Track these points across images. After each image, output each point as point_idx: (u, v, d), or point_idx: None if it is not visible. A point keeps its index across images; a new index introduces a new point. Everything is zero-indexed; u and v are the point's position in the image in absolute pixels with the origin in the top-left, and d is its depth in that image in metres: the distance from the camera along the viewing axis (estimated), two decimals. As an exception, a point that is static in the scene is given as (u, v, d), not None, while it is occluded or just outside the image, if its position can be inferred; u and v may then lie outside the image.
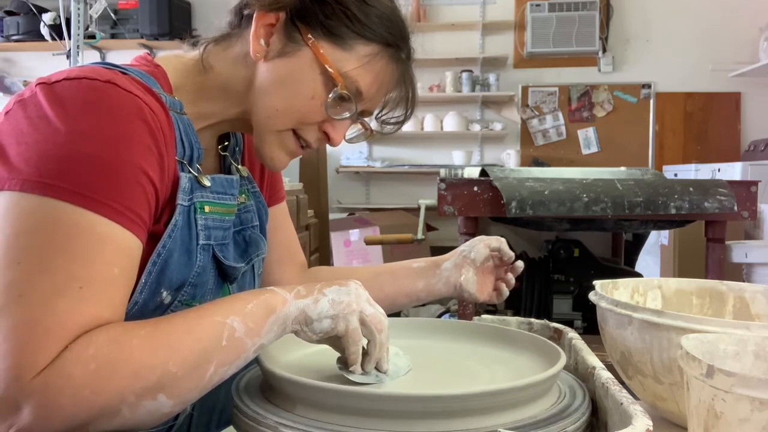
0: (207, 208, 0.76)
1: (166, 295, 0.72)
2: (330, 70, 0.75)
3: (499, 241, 1.01)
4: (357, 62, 0.76)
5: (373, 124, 0.86)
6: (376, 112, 0.84)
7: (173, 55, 0.82)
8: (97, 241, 0.61)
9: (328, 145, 0.83)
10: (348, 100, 0.77)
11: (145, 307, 0.69)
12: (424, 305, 3.01)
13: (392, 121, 0.85)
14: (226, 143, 0.89)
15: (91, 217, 0.61)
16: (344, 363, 0.69)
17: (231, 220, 0.82)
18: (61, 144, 0.62)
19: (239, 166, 0.89)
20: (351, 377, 0.67)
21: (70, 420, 0.56)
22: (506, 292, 1.04)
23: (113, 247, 0.62)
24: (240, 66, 0.79)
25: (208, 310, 0.64)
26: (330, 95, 0.76)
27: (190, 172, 0.75)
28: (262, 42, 0.76)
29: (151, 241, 0.70)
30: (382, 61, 0.78)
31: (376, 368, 0.69)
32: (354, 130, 0.86)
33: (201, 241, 0.75)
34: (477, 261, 1.00)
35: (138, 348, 0.59)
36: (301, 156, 0.85)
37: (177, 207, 0.72)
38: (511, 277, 1.03)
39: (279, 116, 0.78)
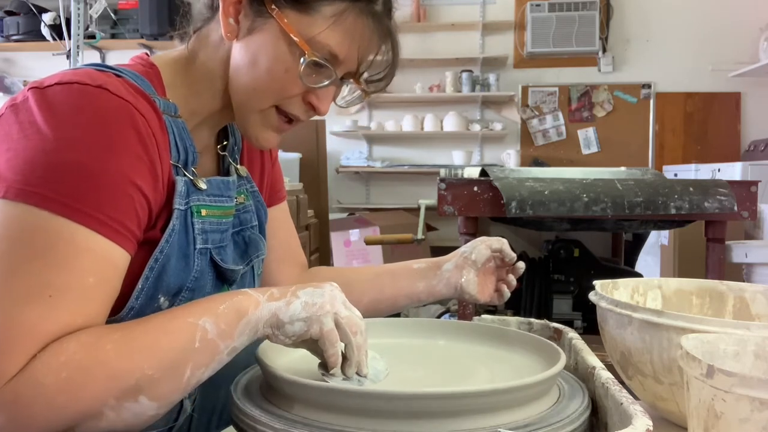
0: (204, 212, 0.76)
1: (163, 301, 0.71)
2: (295, 38, 0.72)
3: (500, 242, 1.00)
4: (324, 24, 0.73)
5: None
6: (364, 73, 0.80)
7: (165, 53, 0.82)
8: (75, 250, 0.61)
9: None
10: (323, 66, 0.74)
11: (141, 312, 0.69)
12: (424, 305, 3.01)
13: (376, 78, 0.81)
14: (225, 143, 0.88)
15: (71, 227, 0.61)
16: (325, 368, 0.66)
17: (229, 222, 0.82)
18: (48, 151, 0.62)
19: (238, 166, 0.89)
20: (332, 381, 0.66)
21: (47, 426, 0.57)
22: (507, 293, 1.02)
23: (91, 257, 0.62)
24: (219, 51, 0.78)
25: (181, 311, 0.64)
26: (301, 64, 0.73)
27: (185, 175, 0.75)
28: (232, 21, 0.75)
29: (148, 247, 0.70)
30: (350, 17, 0.73)
31: (357, 372, 0.67)
32: (345, 93, 0.83)
33: (198, 245, 0.75)
34: (478, 262, 0.99)
35: (112, 352, 0.58)
36: (289, 130, 0.82)
37: (174, 211, 0.72)
38: (512, 279, 1.02)
39: (258, 95, 0.76)
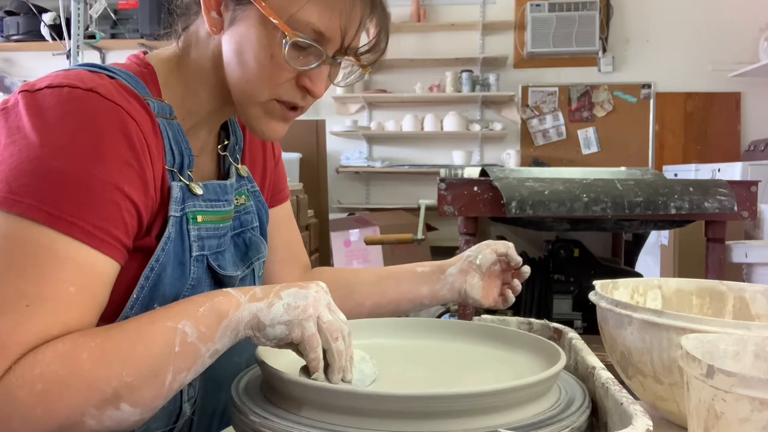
0: (200, 218, 0.75)
1: None
2: (274, 21, 0.69)
3: (506, 247, 0.99)
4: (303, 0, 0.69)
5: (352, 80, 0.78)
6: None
7: (158, 51, 0.81)
8: (55, 259, 0.60)
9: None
10: (308, 46, 0.71)
11: None
12: (424, 305, 3.01)
13: (366, 49, 0.77)
14: (226, 143, 0.88)
15: (53, 236, 0.60)
16: (307, 372, 0.64)
17: (227, 226, 0.81)
18: (33, 158, 0.61)
19: (239, 166, 0.88)
20: None
21: None
22: (512, 298, 1.01)
23: (72, 266, 0.61)
24: (209, 46, 0.76)
25: (160, 314, 0.62)
26: (284, 47, 0.70)
27: (181, 180, 0.73)
28: (214, 14, 0.73)
29: (143, 255, 0.69)
30: None
31: (342, 378, 0.65)
32: (343, 71, 0.80)
33: (194, 253, 0.74)
34: (483, 266, 0.97)
35: (89, 361, 0.57)
36: (294, 118, 0.79)
37: (169, 219, 0.71)
38: (517, 283, 1.00)
39: (251, 86, 0.73)
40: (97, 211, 0.62)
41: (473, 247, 1.01)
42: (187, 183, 0.74)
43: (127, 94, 0.68)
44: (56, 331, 0.59)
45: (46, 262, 0.60)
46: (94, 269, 0.63)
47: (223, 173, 0.87)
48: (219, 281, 0.79)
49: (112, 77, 0.69)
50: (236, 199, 0.85)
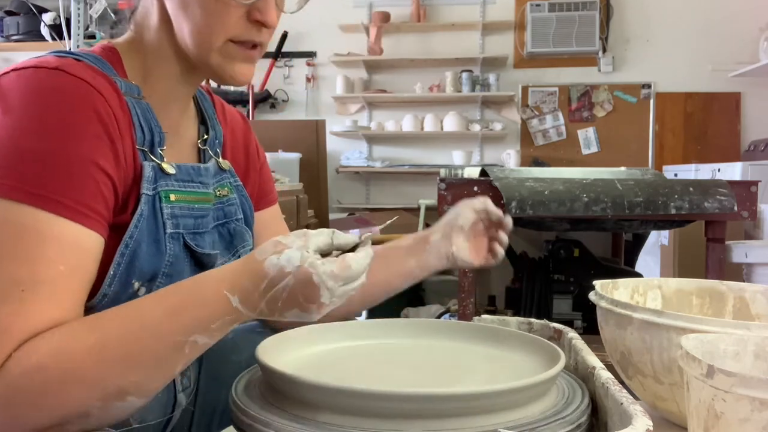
0: (173, 197, 0.75)
1: (138, 287, 0.70)
2: None
3: (483, 203, 0.99)
4: None
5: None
6: None
7: (119, 39, 0.80)
8: (41, 239, 0.60)
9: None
10: None
11: (116, 299, 0.68)
12: (424, 305, 3.01)
13: None
14: (206, 137, 0.87)
15: (35, 214, 0.60)
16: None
17: (207, 208, 0.80)
18: (5, 139, 0.61)
19: (220, 160, 0.87)
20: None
21: (33, 426, 0.57)
22: (501, 252, 1.00)
23: (58, 244, 0.61)
24: (154, 15, 0.76)
25: (168, 324, 0.60)
26: None
27: (152, 160, 0.74)
28: None
29: (119, 232, 0.69)
30: None
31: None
32: None
33: (168, 230, 0.74)
34: (465, 227, 0.98)
35: (90, 362, 0.58)
36: (258, 57, 0.78)
37: (141, 197, 0.71)
38: (503, 236, 1.00)
39: (204, 35, 0.73)
40: (78, 187, 0.63)
41: (451, 211, 1.01)
42: (159, 162, 0.74)
43: (93, 72, 0.69)
44: (56, 314, 0.60)
45: (35, 244, 0.60)
46: (82, 245, 0.63)
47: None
48: (198, 260, 0.79)
49: (78, 60, 0.70)
50: (218, 191, 0.85)
